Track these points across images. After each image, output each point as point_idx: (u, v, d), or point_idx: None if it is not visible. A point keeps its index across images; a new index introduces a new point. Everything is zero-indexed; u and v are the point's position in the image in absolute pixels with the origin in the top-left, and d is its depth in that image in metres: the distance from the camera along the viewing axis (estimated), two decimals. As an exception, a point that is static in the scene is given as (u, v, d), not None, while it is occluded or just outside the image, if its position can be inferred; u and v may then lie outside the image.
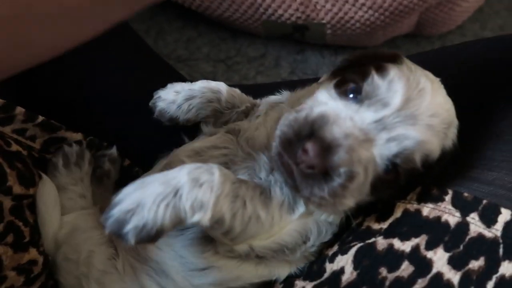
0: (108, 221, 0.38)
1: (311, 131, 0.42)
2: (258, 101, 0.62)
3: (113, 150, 0.65)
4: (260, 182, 0.49)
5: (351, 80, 0.46)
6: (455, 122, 0.48)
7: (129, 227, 0.37)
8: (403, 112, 0.43)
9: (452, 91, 0.49)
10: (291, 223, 0.48)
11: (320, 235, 0.49)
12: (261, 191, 0.47)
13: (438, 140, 0.45)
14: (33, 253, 0.52)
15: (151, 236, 0.38)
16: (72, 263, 0.53)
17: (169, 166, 0.54)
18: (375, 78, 0.44)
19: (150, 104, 0.59)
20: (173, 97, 0.57)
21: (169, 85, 0.59)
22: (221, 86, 0.58)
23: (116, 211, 0.38)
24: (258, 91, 0.64)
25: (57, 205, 0.57)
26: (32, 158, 0.57)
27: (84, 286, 0.52)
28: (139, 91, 0.64)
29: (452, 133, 0.47)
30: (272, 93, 0.63)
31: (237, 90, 0.60)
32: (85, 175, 0.61)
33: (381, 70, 0.45)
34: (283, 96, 0.61)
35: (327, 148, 0.40)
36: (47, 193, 0.56)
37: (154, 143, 0.67)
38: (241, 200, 0.43)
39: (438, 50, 0.74)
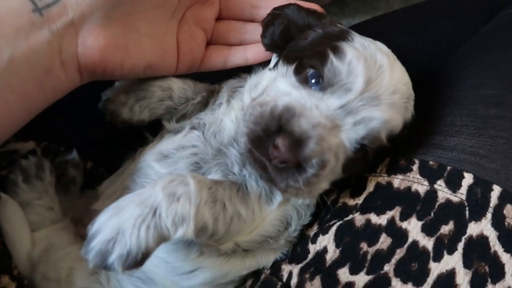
0: (90, 254, 0.37)
1: (279, 126, 0.42)
2: (216, 86, 0.60)
3: (74, 155, 0.62)
4: (234, 178, 0.49)
5: (309, 65, 0.46)
6: (413, 94, 0.49)
7: (114, 256, 0.36)
8: (366, 95, 0.44)
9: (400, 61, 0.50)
10: (271, 213, 0.48)
11: (300, 219, 0.51)
12: (238, 188, 0.47)
13: (400, 115, 0.46)
14: (5, 280, 0.49)
15: (138, 261, 0.37)
16: (52, 283, 0.51)
17: (138, 173, 0.52)
18: (334, 62, 0.44)
19: (99, 106, 0.55)
20: (123, 99, 0.53)
21: (116, 84, 0.55)
22: (171, 82, 0.55)
23: (96, 243, 0.37)
24: (216, 75, 0.62)
25: (24, 223, 0.54)
26: (-15, 179, 0.53)
27: None
28: (90, 86, 0.60)
29: (411, 105, 0.49)
30: (231, 77, 0.61)
31: (190, 82, 0.57)
32: (49, 186, 0.58)
33: (338, 52, 0.45)
34: (243, 79, 0.59)
35: (297, 141, 0.40)
36: (11, 213, 0.53)
37: (114, 141, 0.64)
38: (220, 203, 0.43)
39: (382, 16, 0.75)
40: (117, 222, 0.38)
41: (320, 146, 0.41)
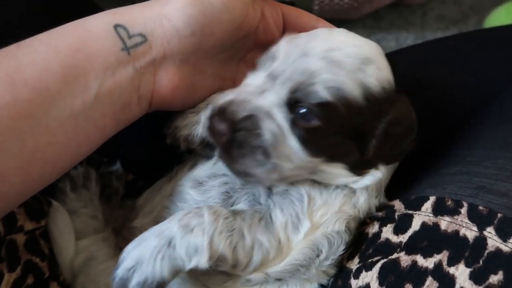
0: (114, 281, 0.40)
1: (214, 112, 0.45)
2: None
3: (118, 166, 0.63)
4: (260, 208, 0.49)
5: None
6: (375, 59, 0.45)
7: (133, 284, 0.39)
8: (292, 56, 0.45)
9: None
10: (299, 243, 0.48)
11: (332, 247, 0.49)
12: (260, 217, 0.47)
13: (342, 71, 0.43)
14: (53, 286, 0.51)
15: None
16: None
17: (178, 196, 0.53)
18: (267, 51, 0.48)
19: (168, 142, 0.54)
20: (194, 118, 0.52)
21: (175, 114, 0.54)
22: None
23: (120, 270, 0.40)
24: None
25: (71, 231, 0.56)
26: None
27: None
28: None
29: (373, 70, 0.44)
30: None
31: None
32: (94, 195, 0.60)
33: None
34: None
35: (222, 111, 0.44)
36: (61, 221, 0.55)
37: (153, 155, 0.65)
38: (238, 232, 0.44)
39: (431, 42, 0.73)
40: (138, 252, 0.41)
41: (243, 105, 0.43)
